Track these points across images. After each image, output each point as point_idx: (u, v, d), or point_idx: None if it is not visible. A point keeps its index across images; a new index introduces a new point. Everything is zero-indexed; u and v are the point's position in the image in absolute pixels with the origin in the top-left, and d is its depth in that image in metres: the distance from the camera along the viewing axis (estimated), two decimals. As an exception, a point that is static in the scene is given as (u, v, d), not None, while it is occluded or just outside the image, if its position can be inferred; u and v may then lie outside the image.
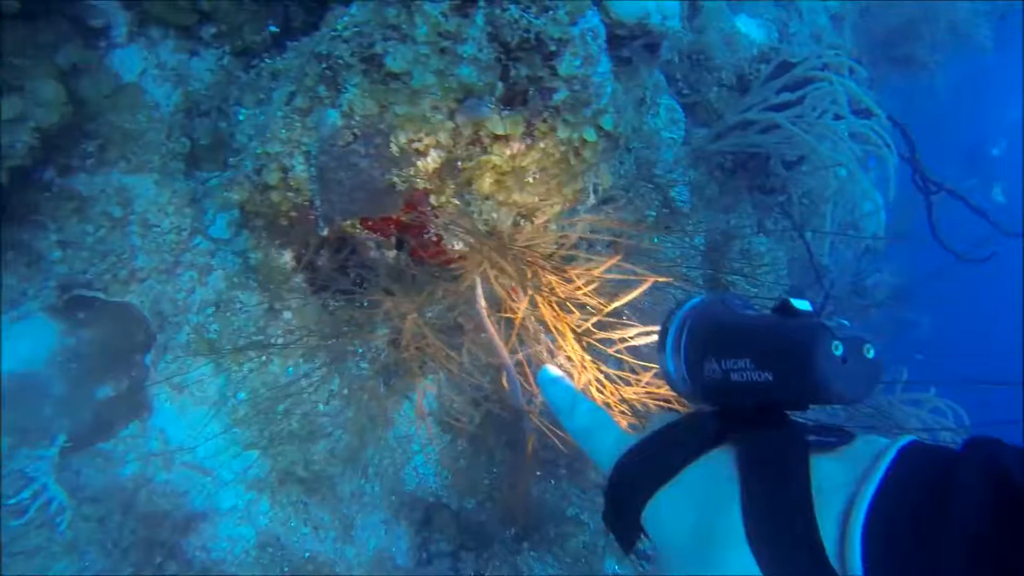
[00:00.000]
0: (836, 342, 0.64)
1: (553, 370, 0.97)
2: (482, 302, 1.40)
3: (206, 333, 1.97)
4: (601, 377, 1.15)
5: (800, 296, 0.75)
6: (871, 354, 0.66)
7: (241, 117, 1.92)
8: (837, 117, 3.22)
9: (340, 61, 1.54)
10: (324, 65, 1.57)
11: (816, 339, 0.64)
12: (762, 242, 4.56)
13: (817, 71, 3.13)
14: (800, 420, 0.70)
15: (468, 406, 2.60)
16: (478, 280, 1.43)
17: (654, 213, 2.78)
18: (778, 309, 0.73)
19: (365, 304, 2.33)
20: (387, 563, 2.55)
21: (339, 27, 1.58)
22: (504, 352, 1.17)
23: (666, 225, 2.79)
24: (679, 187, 2.81)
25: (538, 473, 2.90)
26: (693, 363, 0.75)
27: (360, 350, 2.46)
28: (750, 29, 5.21)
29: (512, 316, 1.43)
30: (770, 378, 0.67)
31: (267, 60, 1.99)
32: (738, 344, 0.71)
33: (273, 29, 2.26)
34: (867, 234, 5.86)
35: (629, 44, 1.70)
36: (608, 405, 1.11)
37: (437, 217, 1.62)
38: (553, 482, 3.17)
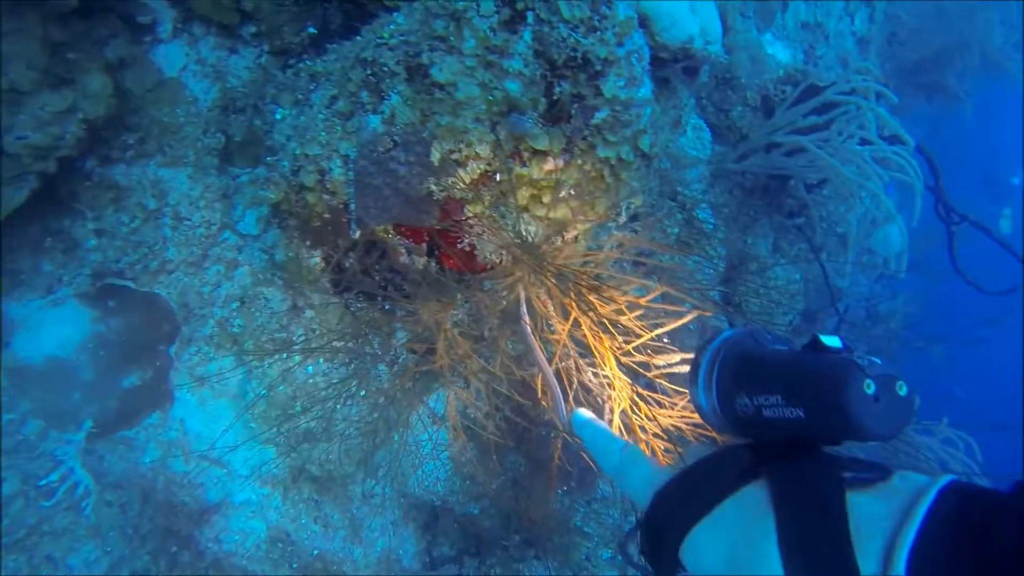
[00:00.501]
0: (868, 380, 0.64)
1: (585, 412, 0.98)
2: (527, 318, 1.41)
3: (230, 328, 2.00)
4: (636, 399, 1.16)
5: (830, 333, 0.76)
6: (903, 391, 0.66)
7: (278, 116, 1.94)
8: (864, 142, 3.22)
9: (385, 68, 1.56)
10: (368, 71, 1.59)
11: (848, 377, 0.64)
12: (779, 262, 4.56)
13: (845, 95, 3.13)
14: (836, 454, 0.70)
15: (487, 413, 2.61)
16: (523, 295, 1.45)
17: (678, 231, 2.79)
18: (808, 345, 0.73)
19: (387, 307, 2.35)
20: (394, 565, 2.56)
21: (385, 35, 1.60)
22: (548, 369, 1.19)
23: (688, 244, 2.80)
24: (703, 207, 2.82)
25: (564, 488, 2.91)
26: (725, 397, 0.76)
27: (380, 353, 2.48)
28: (776, 50, 5.22)
29: (547, 335, 1.44)
30: (802, 415, 0.67)
31: (306, 61, 2.02)
32: (769, 380, 0.72)
33: (312, 31, 2.29)
34: (884, 259, 5.85)
35: (671, 66, 1.71)
36: (643, 429, 1.12)
37: (472, 227, 1.64)
38: (562, 492, 3.17)
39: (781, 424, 0.69)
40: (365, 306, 2.38)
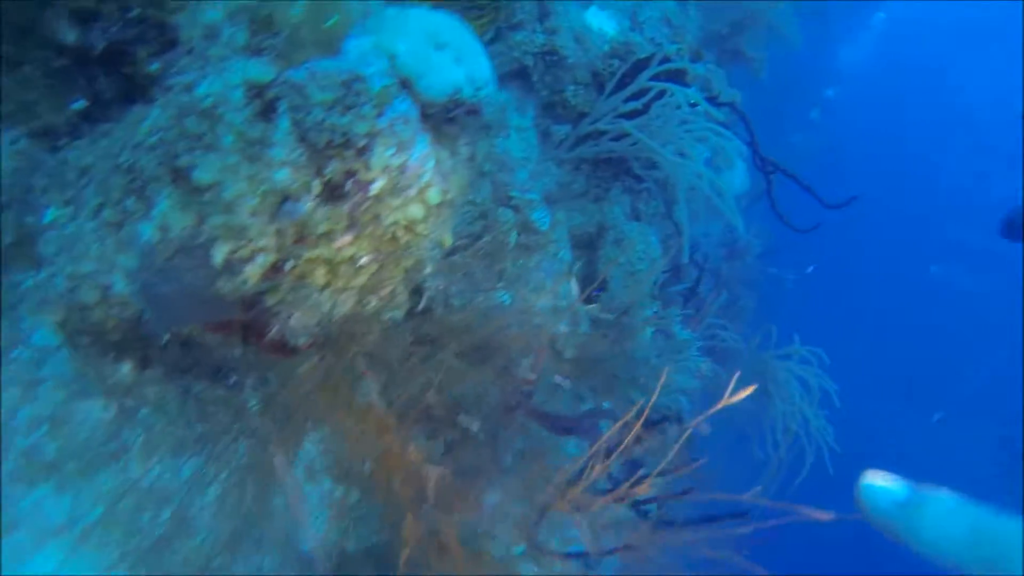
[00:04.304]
0: None
1: (882, 478, 0.59)
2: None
3: (41, 455, 1.83)
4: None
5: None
6: None
7: (48, 218, 1.77)
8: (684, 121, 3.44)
9: (146, 173, 1.47)
10: (130, 177, 1.49)
11: None
12: (633, 228, 4.77)
13: (659, 81, 3.31)
14: None
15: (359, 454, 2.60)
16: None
17: (516, 236, 2.86)
18: None
19: (233, 382, 2.26)
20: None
21: (142, 132, 1.50)
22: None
23: (528, 247, 2.88)
24: (537, 207, 2.91)
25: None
26: None
27: (235, 426, 2.39)
28: (601, 22, 5.38)
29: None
30: None
31: (72, 152, 1.84)
32: None
33: (78, 105, 2.09)
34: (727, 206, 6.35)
35: (448, 115, 1.73)
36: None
37: (276, 315, 1.60)
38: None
39: None
40: (207, 385, 2.28)
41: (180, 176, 1.44)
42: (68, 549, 1.84)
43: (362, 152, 1.43)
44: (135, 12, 1.94)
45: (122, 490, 1.91)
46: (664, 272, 5.15)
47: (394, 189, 1.51)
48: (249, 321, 1.65)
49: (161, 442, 2.07)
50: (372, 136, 1.42)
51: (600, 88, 4.24)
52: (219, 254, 1.46)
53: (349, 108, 1.39)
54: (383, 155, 1.44)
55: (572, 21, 4.65)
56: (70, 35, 1.94)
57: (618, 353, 3.94)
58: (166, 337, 1.67)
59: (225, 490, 2.22)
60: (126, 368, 1.74)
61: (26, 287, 1.95)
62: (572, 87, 4.31)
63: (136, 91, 2.08)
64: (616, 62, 4.35)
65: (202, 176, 1.40)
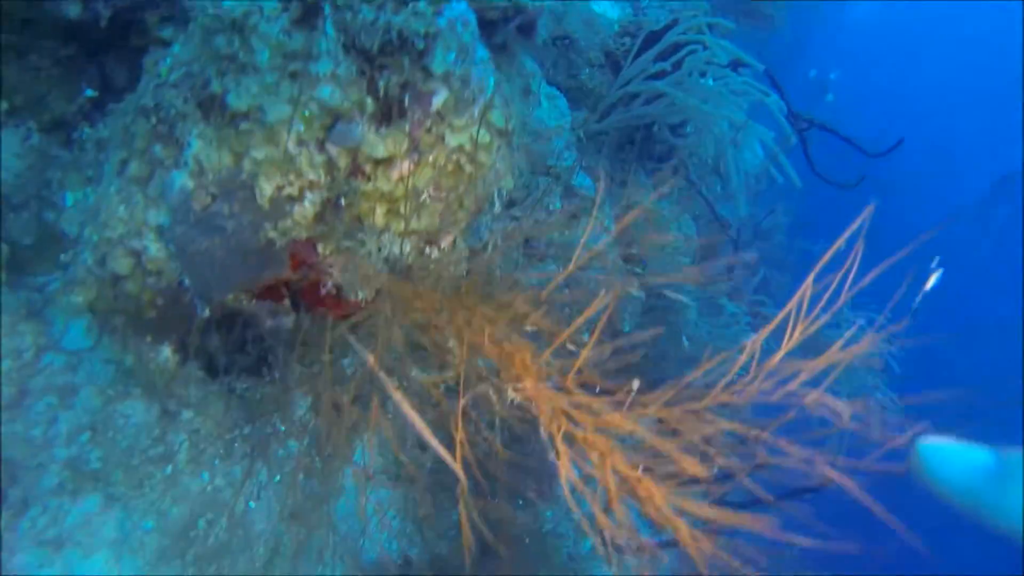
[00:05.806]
0: None
1: (932, 439, 0.64)
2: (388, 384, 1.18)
3: (85, 465, 1.62)
4: (569, 411, 0.99)
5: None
6: None
7: (68, 203, 1.60)
8: (715, 77, 3.27)
9: (173, 111, 1.28)
10: (154, 120, 1.30)
11: None
12: (665, 207, 4.58)
13: (685, 35, 3.15)
14: None
15: (416, 451, 2.38)
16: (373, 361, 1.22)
17: (560, 204, 2.67)
18: None
19: (277, 376, 2.06)
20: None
21: (163, 72, 1.32)
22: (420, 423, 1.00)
23: (575, 216, 2.68)
24: (579, 174, 2.72)
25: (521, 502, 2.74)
26: None
27: (283, 428, 2.18)
28: (605, 8, 5.28)
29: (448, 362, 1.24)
30: None
31: (87, 130, 1.68)
32: None
33: (90, 93, 1.94)
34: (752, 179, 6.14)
35: (502, 28, 1.55)
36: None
37: (331, 267, 1.40)
38: (522, 503, 3.02)
39: None
40: (252, 383, 2.08)
41: (212, 106, 1.25)
42: (120, 560, 1.62)
43: (421, 56, 1.24)
44: (142, -26, 1.79)
45: (173, 497, 1.69)
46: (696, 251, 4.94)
47: (457, 104, 1.32)
48: (300, 282, 1.45)
49: (208, 445, 1.86)
50: (431, 37, 1.23)
51: (615, 68, 4.11)
52: (264, 192, 1.26)
53: (403, 3, 1.20)
54: (445, 59, 1.25)
55: (578, 6, 4.57)
56: (73, 8, 1.79)
57: (665, 330, 3.72)
58: (206, 311, 1.47)
59: (280, 495, 2.00)
60: (166, 352, 1.54)
61: (52, 290, 1.77)
62: (587, 70, 4.19)
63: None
64: (628, 40, 4.22)
65: (237, 102, 1.22)
